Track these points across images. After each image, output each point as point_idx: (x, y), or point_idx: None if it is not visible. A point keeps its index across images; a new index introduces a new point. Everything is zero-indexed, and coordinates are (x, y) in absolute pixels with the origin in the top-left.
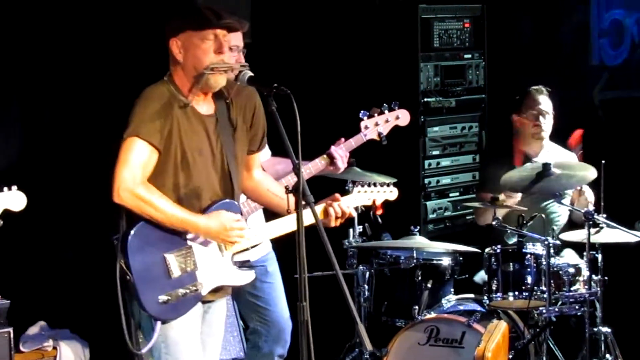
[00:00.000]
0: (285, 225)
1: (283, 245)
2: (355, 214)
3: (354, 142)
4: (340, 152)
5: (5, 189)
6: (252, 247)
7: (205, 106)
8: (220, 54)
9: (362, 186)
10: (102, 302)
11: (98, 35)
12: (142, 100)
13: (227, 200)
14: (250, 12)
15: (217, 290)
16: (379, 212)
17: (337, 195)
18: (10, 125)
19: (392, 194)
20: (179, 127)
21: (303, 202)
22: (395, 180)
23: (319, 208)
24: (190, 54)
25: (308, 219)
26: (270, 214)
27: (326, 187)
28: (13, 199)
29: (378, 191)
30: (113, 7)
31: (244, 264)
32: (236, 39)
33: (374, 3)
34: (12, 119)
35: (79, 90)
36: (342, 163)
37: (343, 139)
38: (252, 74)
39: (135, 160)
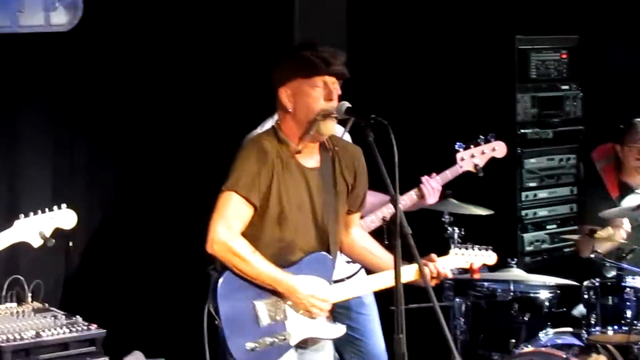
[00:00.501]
0: (384, 280)
1: None
2: (450, 275)
3: (450, 173)
4: (434, 183)
5: (55, 207)
6: (346, 278)
7: (310, 160)
8: (330, 100)
9: (460, 248)
10: (197, 333)
11: (196, 70)
12: (244, 153)
13: (320, 253)
14: (346, 43)
15: (306, 341)
16: (476, 276)
17: (433, 255)
18: (105, 146)
19: (490, 258)
20: (279, 182)
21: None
22: (491, 212)
23: (414, 267)
24: (300, 102)
25: (407, 275)
26: None
27: (424, 219)
28: (64, 218)
29: (476, 255)
30: (217, 52)
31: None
32: None
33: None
34: (107, 138)
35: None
36: (432, 196)
37: (435, 173)
38: (350, 105)
39: (231, 214)
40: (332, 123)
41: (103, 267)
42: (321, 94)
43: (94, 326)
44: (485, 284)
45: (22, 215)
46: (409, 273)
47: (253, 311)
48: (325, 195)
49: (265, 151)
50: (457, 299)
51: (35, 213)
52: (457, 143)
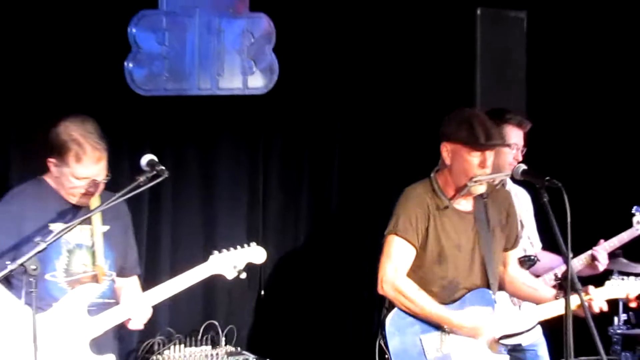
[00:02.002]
0: (553, 309)
1: (552, 331)
2: (606, 307)
3: (627, 236)
4: (603, 251)
5: (245, 245)
6: (525, 332)
7: (464, 204)
8: (483, 167)
9: (617, 279)
10: None
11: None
12: (403, 201)
13: (481, 289)
14: (525, 104)
15: None
16: (633, 304)
17: (591, 287)
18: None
19: None
20: (436, 225)
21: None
22: None
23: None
24: (456, 162)
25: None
26: None
27: (594, 276)
28: (255, 254)
29: (632, 285)
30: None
31: (515, 348)
32: (517, 137)
33: None
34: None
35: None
36: (602, 263)
37: (603, 240)
38: (526, 167)
39: (395, 256)
40: (482, 187)
41: (291, 313)
42: (477, 161)
43: None
44: None
45: (216, 252)
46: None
47: (420, 345)
48: (481, 236)
49: (423, 198)
50: (624, 353)
51: (228, 249)
52: (635, 207)
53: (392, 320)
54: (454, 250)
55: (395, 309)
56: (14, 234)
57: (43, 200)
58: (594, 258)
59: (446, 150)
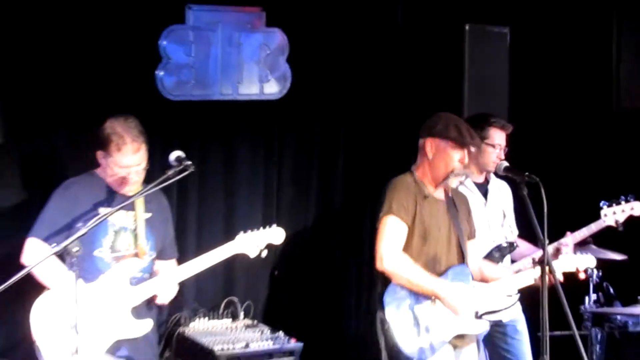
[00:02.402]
0: (525, 278)
1: (531, 309)
2: (562, 279)
3: (595, 227)
4: (570, 242)
5: (267, 227)
6: (504, 309)
7: (438, 193)
8: (462, 163)
9: (567, 254)
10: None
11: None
12: (392, 188)
13: (460, 264)
14: (507, 111)
15: (461, 337)
16: (581, 276)
17: None
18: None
19: (591, 262)
20: (421, 207)
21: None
22: (625, 257)
23: (532, 272)
24: (439, 157)
25: (527, 280)
26: None
27: None
28: (275, 235)
29: (580, 260)
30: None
31: (497, 324)
32: (500, 138)
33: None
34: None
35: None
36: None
37: (569, 232)
38: (508, 164)
39: (391, 234)
40: (457, 179)
41: (301, 290)
42: (459, 157)
43: (293, 340)
44: (618, 317)
45: (241, 232)
46: (529, 277)
47: (413, 314)
48: (453, 220)
49: (409, 185)
50: (594, 329)
51: (252, 230)
52: (602, 201)
53: (388, 295)
54: (435, 229)
55: (391, 284)
56: (69, 214)
57: (94, 188)
58: (558, 250)
59: (430, 145)
